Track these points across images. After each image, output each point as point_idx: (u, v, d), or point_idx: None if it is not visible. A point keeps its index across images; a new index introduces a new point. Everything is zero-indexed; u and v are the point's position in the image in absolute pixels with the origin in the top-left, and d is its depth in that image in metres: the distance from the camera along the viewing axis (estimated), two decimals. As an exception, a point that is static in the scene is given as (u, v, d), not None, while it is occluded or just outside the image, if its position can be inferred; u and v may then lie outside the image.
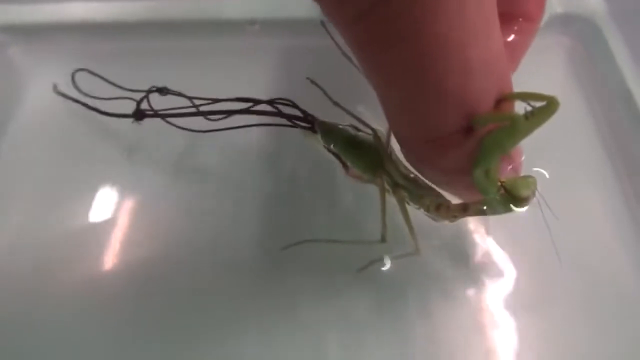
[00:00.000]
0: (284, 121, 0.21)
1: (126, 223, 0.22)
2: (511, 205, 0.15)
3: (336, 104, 0.20)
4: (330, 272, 0.21)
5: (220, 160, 0.24)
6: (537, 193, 0.15)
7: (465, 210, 0.17)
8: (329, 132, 0.20)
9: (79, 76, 0.24)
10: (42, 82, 0.25)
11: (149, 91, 0.22)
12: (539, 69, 0.21)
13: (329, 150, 0.20)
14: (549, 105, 0.13)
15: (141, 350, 0.20)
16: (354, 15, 0.13)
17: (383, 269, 0.21)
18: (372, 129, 0.19)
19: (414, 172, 0.19)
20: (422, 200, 0.19)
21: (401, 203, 0.19)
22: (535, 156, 0.22)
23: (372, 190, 0.20)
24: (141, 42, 0.28)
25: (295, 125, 0.21)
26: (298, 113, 0.21)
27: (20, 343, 0.20)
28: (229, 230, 0.22)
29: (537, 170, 0.23)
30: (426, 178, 0.18)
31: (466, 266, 0.21)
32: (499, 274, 0.21)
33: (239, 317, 0.20)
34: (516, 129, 0.13)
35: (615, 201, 0.23)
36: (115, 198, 0.23)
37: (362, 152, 0.19)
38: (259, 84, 0.26)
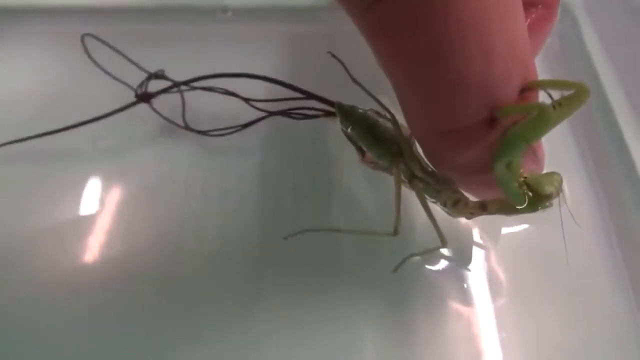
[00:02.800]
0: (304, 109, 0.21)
1: (108, 216, 0.22)
2: (533, 204, 0.14)
3: (357, 82, 0.19)
4: (337, 274, 0.20)
5: (210, 150, 0.23)
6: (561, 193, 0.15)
7: (484, 208, 0.17)
8: (348, 114, 0.19)
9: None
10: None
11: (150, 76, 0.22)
12: None
13: (346, 134, 0.20)
14: (579, 94, 0.12)
15: (124, 344, 0.19)
16: (366, 1, 0.13)
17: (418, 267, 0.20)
18: (391, 114, 0.18)
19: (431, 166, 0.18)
20: (440, 194, 0.18)
21: (420, 195, 0.18)
22: None
23: (384, 186, 0.19)
24: (108, 26, 0.27)
25: (316, 115, 0.21)
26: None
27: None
28: (216, 222, 0.22)
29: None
30: (443, 175, 0.17)
31: (462, 270, 0.21)
32: (496, 276, 0.21)
33: (228, 310, 0.20)
34: (544, 120, 0.13)
35: (587, 197, 0.23)
36: (96, 190, 0.22)
37: (380, 137, 0.19)
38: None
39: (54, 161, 0.23)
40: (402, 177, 0.18)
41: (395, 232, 0.18)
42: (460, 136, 0.14)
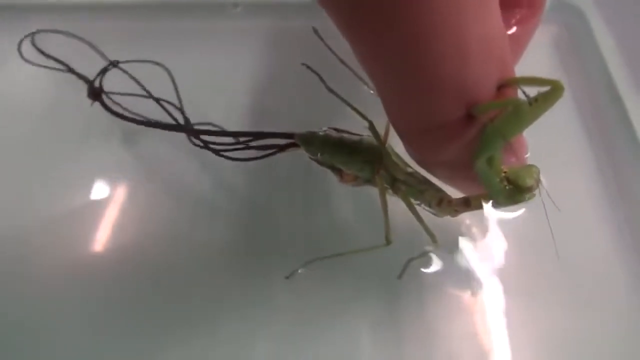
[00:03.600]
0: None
1: (109, 208, 0.22)
2: (515, 197, 0.15)
3: (330, 90, 0.19)
4: (335, 279, 0.20)
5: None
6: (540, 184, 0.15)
7: (467, 204, 0.17)
8: (311, 142, 0.19)
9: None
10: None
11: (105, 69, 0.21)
12: (524, 56, 0.21)
13: (317, 162, 0.19)
14: (554, 90, 0.12)
15: (123, 336, 0.19)
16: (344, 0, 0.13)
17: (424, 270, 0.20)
18: (368, 120, 0.18)
19: (412, 167, 0.18)
20: (423, 195, 0.18)
21: (405, 198, 0.18)
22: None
23: (368, 197, 0.19)
24: (120, 22, 0.28)
25: (279, 150, 0.20)
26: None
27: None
28: (214, 219, 0.22)
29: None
30: (428, 172, 0.17)
31: (461, 264, 0.21)
32: (494, 271, 0.21)
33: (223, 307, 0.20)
34: (520, 115, 0.13)
35: (596, 188, 0.23)
36: (98, 183, 0.23)
37: (353, 151, 0.18)
38: (242, 67, 0.25)
39: (66, 153, 0.24)
40: (385, 184, 0.18)
41: (388, 242, 0.18)
42: (440, 133, 0.14)
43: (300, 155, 0.20)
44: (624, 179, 0.23)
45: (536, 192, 0.15)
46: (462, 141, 0.14)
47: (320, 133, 0.19)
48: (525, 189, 0.14)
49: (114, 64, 0.21)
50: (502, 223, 0.21)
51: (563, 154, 0.24)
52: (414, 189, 0.18)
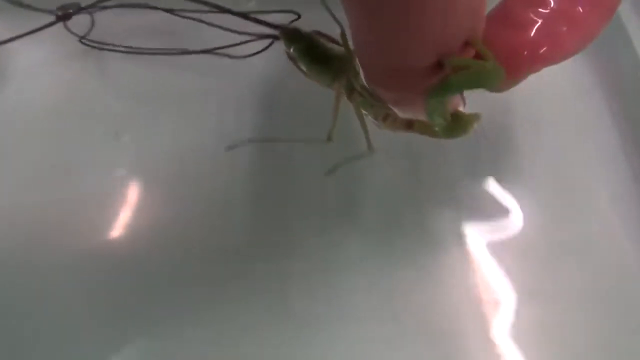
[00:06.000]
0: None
1: (119, 205, 0.22)
2: (452, 130, 0.17)
3: None
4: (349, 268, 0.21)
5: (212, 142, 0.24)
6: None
7: (410, 126, 0.19)
8: (290, 36, 0.21)
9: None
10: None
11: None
12: None
13: (289, 56, 0.21)
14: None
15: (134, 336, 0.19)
16: None
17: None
18: (340, 25, 0.19)
19: None
20: (373, 108, 0.20)
21: (357, 107, 0.21)
22: (543, 134, 0.24)
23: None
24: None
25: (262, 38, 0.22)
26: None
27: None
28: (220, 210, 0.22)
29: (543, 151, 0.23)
30: (377, 94, 0.19)
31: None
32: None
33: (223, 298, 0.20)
34: (481, 79, 0.15)
35: (625, 183, 0.23)
36: (103, 178, 0.23)
37: (324, 56, 0.20)
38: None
39: (74, 148, 0.24)
40: (342, 91, 0.20)
41: (329, 139, 0.21)
42: (405, 73, 0.16)
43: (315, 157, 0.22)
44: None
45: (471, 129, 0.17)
46: (423, 84, 0.16)
47: (303, 32, 0.21)
48: (463, 124, 0.17)
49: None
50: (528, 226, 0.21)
51: (590, 147, 0.24)
52: (367, 101, 0.20)
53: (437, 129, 0.17)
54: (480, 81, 0.15)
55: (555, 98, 0.25)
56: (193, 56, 0.25)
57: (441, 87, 0.16)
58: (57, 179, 0.23)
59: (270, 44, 0.24)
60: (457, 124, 0.17)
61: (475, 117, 0.17)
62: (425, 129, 0.19)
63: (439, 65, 0.15)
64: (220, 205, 0.22)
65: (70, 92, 0.26)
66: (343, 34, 0.20)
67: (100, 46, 0.26)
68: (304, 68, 0.21)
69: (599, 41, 0.25)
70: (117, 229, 0.22)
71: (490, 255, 0.21)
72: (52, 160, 0.23)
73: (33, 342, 0.19)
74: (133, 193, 0.23)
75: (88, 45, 0.26)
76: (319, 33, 0.21)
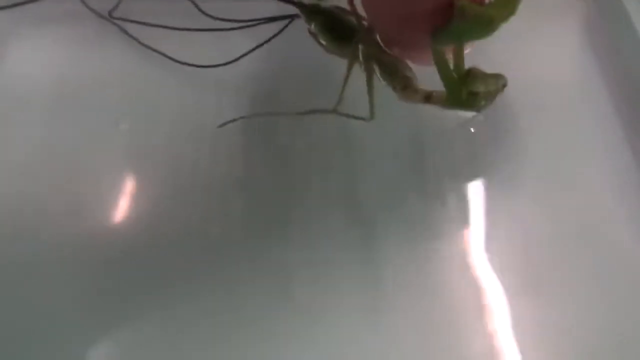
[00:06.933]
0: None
1: (119, 198, 0.22)
2: (466, 101, 0.17)
3: None
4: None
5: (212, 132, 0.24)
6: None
7: (428, 97, 0.19)
8: (310, 13, 0.22)
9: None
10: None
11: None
12: (553, 37, 0.20)
13: (310, 33, 0.22)
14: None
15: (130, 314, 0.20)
16: None
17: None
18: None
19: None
20: (391, 77, 0.20)
21: (369, 77, 0.21)
22: (544, 127, 0.23)
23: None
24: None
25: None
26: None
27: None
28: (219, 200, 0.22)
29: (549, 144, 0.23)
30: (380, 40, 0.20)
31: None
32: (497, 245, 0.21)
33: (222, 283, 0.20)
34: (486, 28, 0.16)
35: (628, 175, 0.22)
36: (104, 167, 0.23)
37: (338, 31, 0.21)
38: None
39: (75, 141, 0.24)
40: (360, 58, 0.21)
41: (338, 103, 0.21)
42: (416, 19, 0.16)
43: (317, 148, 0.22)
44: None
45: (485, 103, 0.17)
46: (432, 29, 0.16)
47: (323, 7, 0.21)
48: (471, 93, 0.17)
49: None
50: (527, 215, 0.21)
51: (594, 139, 0.24)
52: (386, 70, 0.20)
53: (447, 88, 0.17)
54: (483, 30, 0.16)
55: (557, 89, 0.25)
56: (192, 43, 0.26)
57: (447, 32, 0.16)
58: (55, 165, 0.23)
59: (290, 22, 0.25)
60: (466, 83, 0.17)
61: (496, 77, 0.17)
62: (443, 100, 0.19)
63: (447, 10, 0.16)
64: (220, 195, 0.22)
65: (71, 80, 0.25)
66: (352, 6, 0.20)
67: (122, 24, 0.27)
68: (324, 43, 0.22)
69: (603, 33, 0.25)
70: (116, 216, 0.22)
71: (491, 249, 0.21)
72: (51, 147, 0.23)
73: (22, 330, 0.19)
74: (131, 182, 0.23)
75: (114, 21, 0.26)
76: (338, 7, 0.21)
